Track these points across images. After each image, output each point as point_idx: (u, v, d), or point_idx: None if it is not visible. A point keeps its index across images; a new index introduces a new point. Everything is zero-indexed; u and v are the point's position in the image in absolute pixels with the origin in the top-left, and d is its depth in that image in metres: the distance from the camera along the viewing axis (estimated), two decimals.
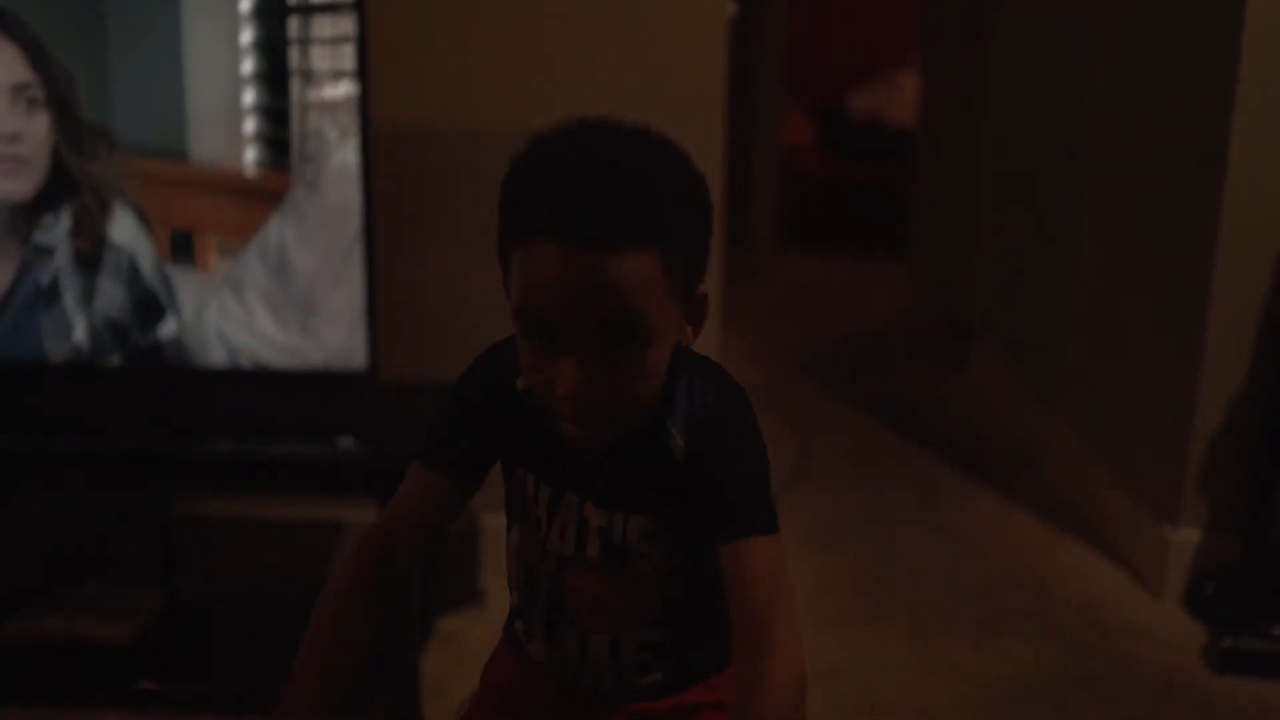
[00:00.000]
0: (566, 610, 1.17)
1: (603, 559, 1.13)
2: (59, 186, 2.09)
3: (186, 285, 2.13)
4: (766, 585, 1.05)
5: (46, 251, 2.11)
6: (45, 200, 2.10)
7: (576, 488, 1.13)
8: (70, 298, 2.12)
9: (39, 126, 2.07)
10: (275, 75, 2.07)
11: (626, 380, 1.02)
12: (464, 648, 2.33)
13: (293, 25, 2.06)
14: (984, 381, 3.83)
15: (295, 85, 2.07)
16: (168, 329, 2.13)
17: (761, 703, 1.02)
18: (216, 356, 2.13)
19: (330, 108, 2.06)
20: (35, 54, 2.05)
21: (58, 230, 2.10)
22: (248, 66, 2.08)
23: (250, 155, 2.11)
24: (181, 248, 2.13)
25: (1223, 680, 2.28)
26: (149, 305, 2.13)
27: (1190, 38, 2.54)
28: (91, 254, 2.11)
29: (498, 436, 1.15)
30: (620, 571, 1.13)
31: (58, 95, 2.06)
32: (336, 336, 2.11)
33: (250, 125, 2.09)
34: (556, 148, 1.02)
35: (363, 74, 2.04)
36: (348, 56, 2.04)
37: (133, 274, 2.11)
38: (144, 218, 2.11)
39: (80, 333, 2.13)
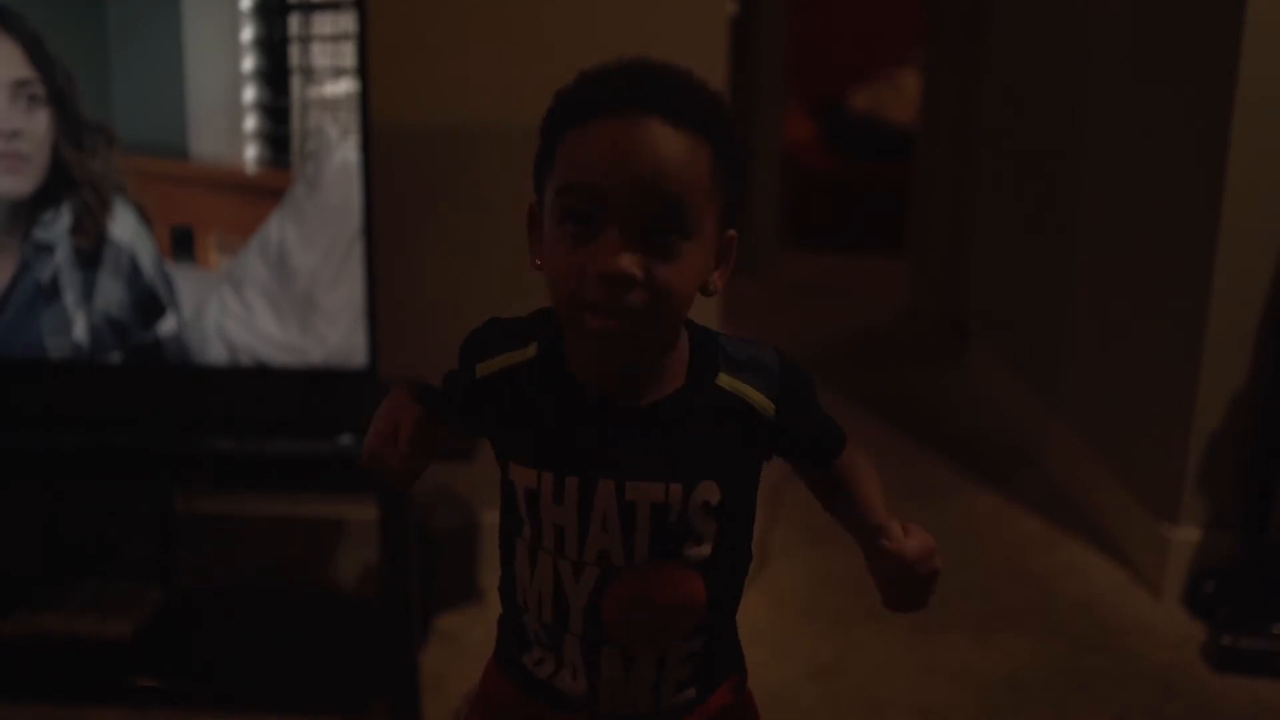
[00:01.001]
0: (606, 631, 1.07)
1: (653, 553, 1.05)
2: (59, 183, 2.09)
3: (187, 282, 2.13)
4: (871, 485, 1.18)
5: (47, 248, 2.11)
6: (45, 197, 2.10)
7: (612, 470, 1.04)
8: (70, 294, 2.12)
9: (39, 123, 2.07)
10: (276, 72, 2.07)
11: (661, 270, 0.98)
12: (463, 645, 2.33)
13: (293, 22, 2.06)
14: (984, 379, 3.83)
15: (296, 82, 2.07)
16: (168, 326, 2.13)
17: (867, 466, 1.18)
18: (216, 354, 2.13)
19: (331, 105, 2.06)
20: (35, 51, 2.05)
21: (58, 227, 2.10)
22: (248, 64, 2.08)
23: (250, 152, 2.10)
24: (182, 245, 2.13)
25: (1222, 678, 2.28)
26: (149, 302, 2.13)
27: (1191, 35, 2.55)
28: (92, 251, 2.11)
29: (518, 427, 1.07)
30: (668, 568, 1.05)
31: (58, 92, 2.06)
32: (337, 334, 2.11)
33: (251, 122, 2.09)
34: (606, 66, 1.04)
35: (363, 71, 2.04)
36: (348, 54, 2.04)
37: (133, 271, 2.11)
38: (144, 215, 2.11)
39: (80, 329, 2.13)
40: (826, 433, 1.16)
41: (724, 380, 1.07)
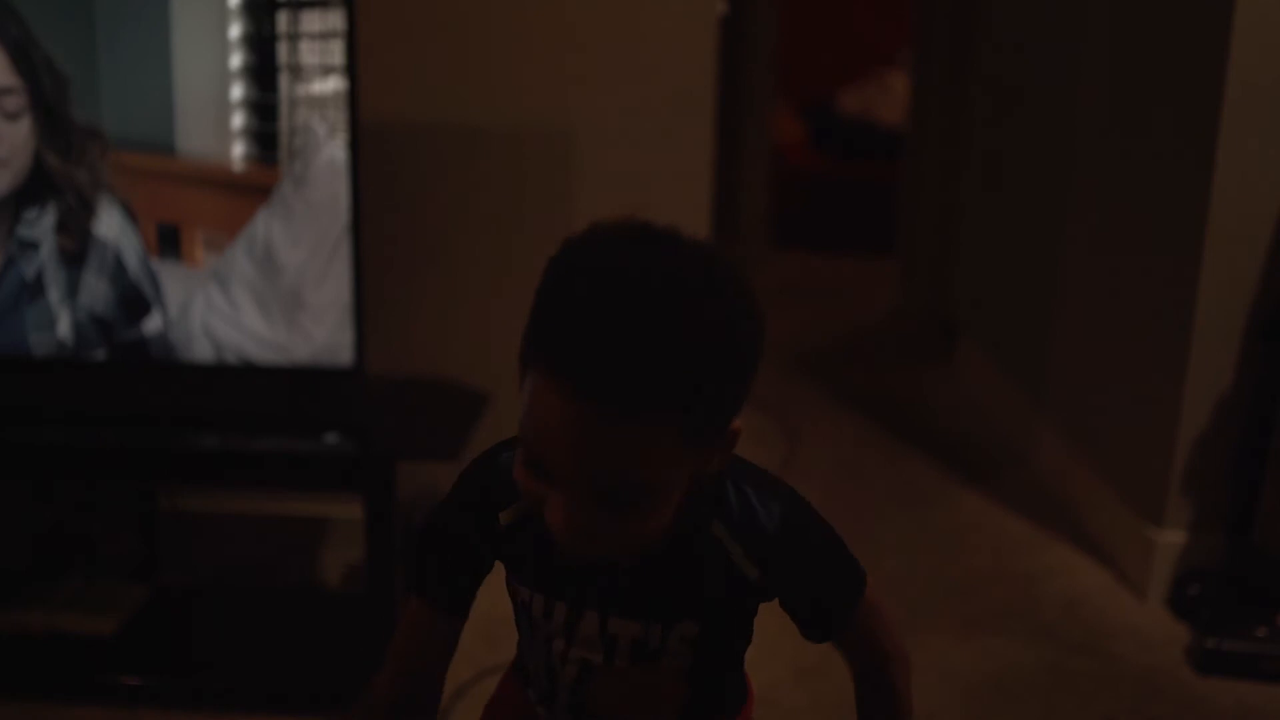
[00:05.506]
0: (588, 710, 1.12)
1: (632, 663, 1.08)
2: (41, 185, 2.08)
3: (173, 279, 2.12)
4: (886, 640, 1.14)
5: (31, 245, 2.10)
6: (28, 196, 2.09)
7: (596, 605, 1.06)
8: (55, 291, 2.11)
9: (19, 130, 2.06)
10: (264, 70, 2.07)
11: (618, 532, 0.95)
12: None
13: (281, 20, 2.06)
14: (971, 380, 3.84)
15: (284, 80, 2.07)
16: (153, 323, 2.13)
17: (889, 705, 1.16)
18: (202, 351, 2.12)
19: (318, 103, 2.06)
20: (19, 58, 2.04)
21: (42, 224, 2.09)
22: (236, 60, 2.07)
23: (238, 150, 2.10)
24: (168, 242, 2.12)
25: (1205, 681, 2.28)
26: (134, 299, 2.12)
27: (1179, 37, 2.55)
28: (76, 249, 2.10)
29: (494, 558, 1.10)
30: (649, 673, 1.09)
31: (43, 99, 2.05)
32: (323, 332, 2.10)
33: (238, 120, 2.09)
34: (588, 277, 0.91)
35: (351, 69, 2.03)
36: (336, 51, 2.04)
37: (118, 268, 2.11)
38: (130, 212, 2.10)
39: (65, 326, 2.12)
40: (827, 601, 1.09)
41: (717, 530, 1.04)
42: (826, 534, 1.07)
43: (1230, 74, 2.31)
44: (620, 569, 1.04)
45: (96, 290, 2.11)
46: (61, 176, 2.07)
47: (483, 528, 1.08)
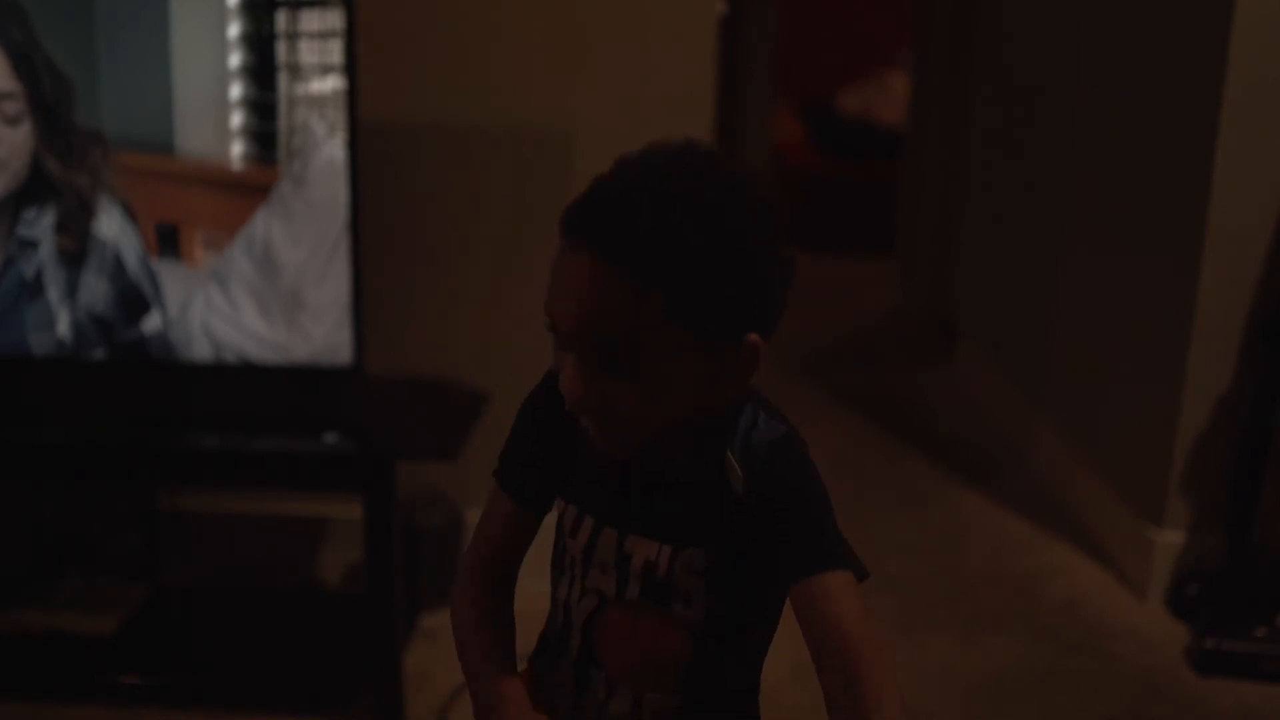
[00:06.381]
0: (596, 655, 1.13)
1: (642, 598, 1.09)
2: (41, 185, 2.08)
3: (172, 279, 2.12)
4: (848, 622, 1.00)
5: (30, 244, 2.10)
6: (27, 196, 2.09)
7: (617, 521, 1.09)
8: (54, 291, 2.11)
9: (19, 134, 2.06)
10: (263, 69, 2.07)
11: (617, 403, 1.00)
12: (447, 644, 2.31)
13: (281, 19, 2.06)
14: (971, 380, 3.84)
15: (283, 80, 2.06)
16: (153, 323, 2.13)
17: (851, 693, 0.99)
18: (201, 351, 2.12)
19: (317, 102, 2.06)
20: (19, 62, 2.04)
21: (42, 224, 2.09)
22: (235, 60, 2.07)
23: (237, 149, 2.10)
24: (167, 241, 2.12)
25: (1204, 681, 2.28)
26: (134, 299, 2.12)
27: (1179, 37, 2.55)
28: (76, 248, 2.10)
29: (556, 460, 1.14)
30: (657, 615, 1.09)
31: (43, 104, 2.05)
32: (322, 331, 2.10)
33: (237, 119, 2.09)
34: (620, 163, 1.02)
35: (350, 69, 2.03)
36: (335, 51, 2.04)
37: (118, 268, 2.11)
38: (130, 211, 2.10)
39: (64, 326, 2.12)
40: (801, 541, 1.03)
41: (730, 457, 1.05)
42: (812, 479, 1.05)
43: (1230, 74, 2.31)
44: (647, 481, 1.07)
45: (96, 290, 2.11)
46: (62, 180, 2.07)
47: (551, 415, 1.12)
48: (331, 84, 2.05)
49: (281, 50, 2.06)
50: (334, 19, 2.03)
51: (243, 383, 2.15)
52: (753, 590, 1.09)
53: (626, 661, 1.12)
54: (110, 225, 2.10)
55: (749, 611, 1.11)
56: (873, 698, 0.99)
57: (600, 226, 0.97)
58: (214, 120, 2.08)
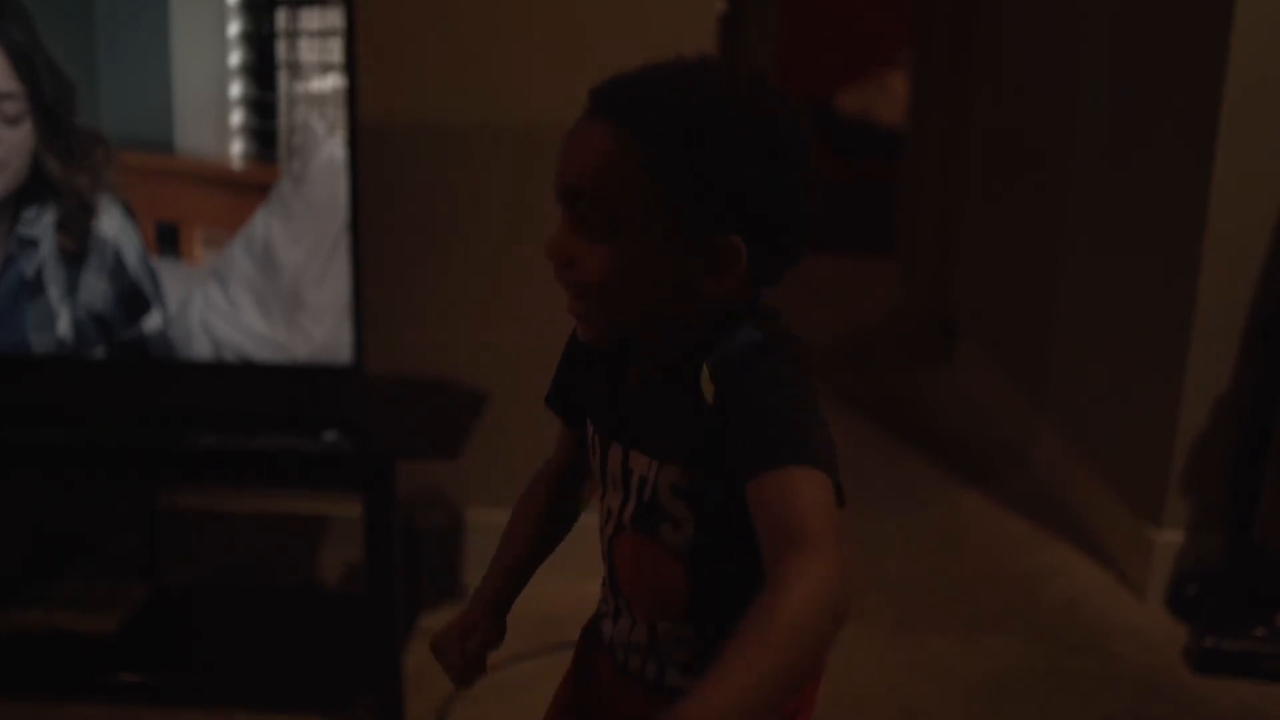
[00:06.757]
0: (618, 583, 1.14)
1: (635, 520, 1.08)
2: (41, 185, 2.08)
3: (172, 278, 2.12)
4: (801, 512, 0.89)
5: (31, 243, 2.10)
6: (27, 196, 2.09)
7: (622, 437, 1.11)
8: (55, 289, 2.11)
9: (19, 134, 2.06)
10: (262, 68, 2.07)
11: (588, 266, 1.03)
12: None
13: (280, 18, 2.06)
14: (971, 380, 3.84)
15: (283, 78, 2.06)
16: (153, 321, 2.13)
17: (770, 612, 0.84)
18: (201, 349, 2.12)
19: (317, 101, 2.06)
20: (20, 63, 2.04)
21: (42, 223, 2.09)
22: (235, 59, 2.07)
23: (237, 148, 2.10)
24: (167, 240, 2.12)
25: (1204, 681, 2.28)
26: (134, 298, 2.12)
27: (1179, 37, 2.55)
28: (76, 247, 2.10)
29: (581, 381, 1.18)
30: (651, 545, 1.08)
31: (43, 104, 2.05)
32: (322, 330, 2.10)
33: (237, 118, 2.09)
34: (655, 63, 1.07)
35: (350, 67, 2.03)
36: (335, 49, 2.04)
37: (118, 266, 2.11)
38: (130, 210, 2.10)
39: (65, 324, 2.12)
40: (753, 436, 0.94)
41: (705, 368, 1.01)
42: (779, 378, 0.98)
43: (1230, 74, 2.31)
44: (640, 396, 1.09)
45: (96, 288, 2.11)
46: (62, 180, 2.07)
47: (573, 347, 1.18)
48: (331, 83, 2.05)
49: (281, 49, 2.06)
50: (334, 17, 2.03)
51: (242, 382, 2.15)
52: (739, 518, 0.96)
53: (635, 590, 1.12)
54: (110, 224, 2.10)
55: (736, 542, 1.01)
56: (799, 570, 0.85)
57: (616, 94, 1.02)
58: (214, 119, 2.08)
